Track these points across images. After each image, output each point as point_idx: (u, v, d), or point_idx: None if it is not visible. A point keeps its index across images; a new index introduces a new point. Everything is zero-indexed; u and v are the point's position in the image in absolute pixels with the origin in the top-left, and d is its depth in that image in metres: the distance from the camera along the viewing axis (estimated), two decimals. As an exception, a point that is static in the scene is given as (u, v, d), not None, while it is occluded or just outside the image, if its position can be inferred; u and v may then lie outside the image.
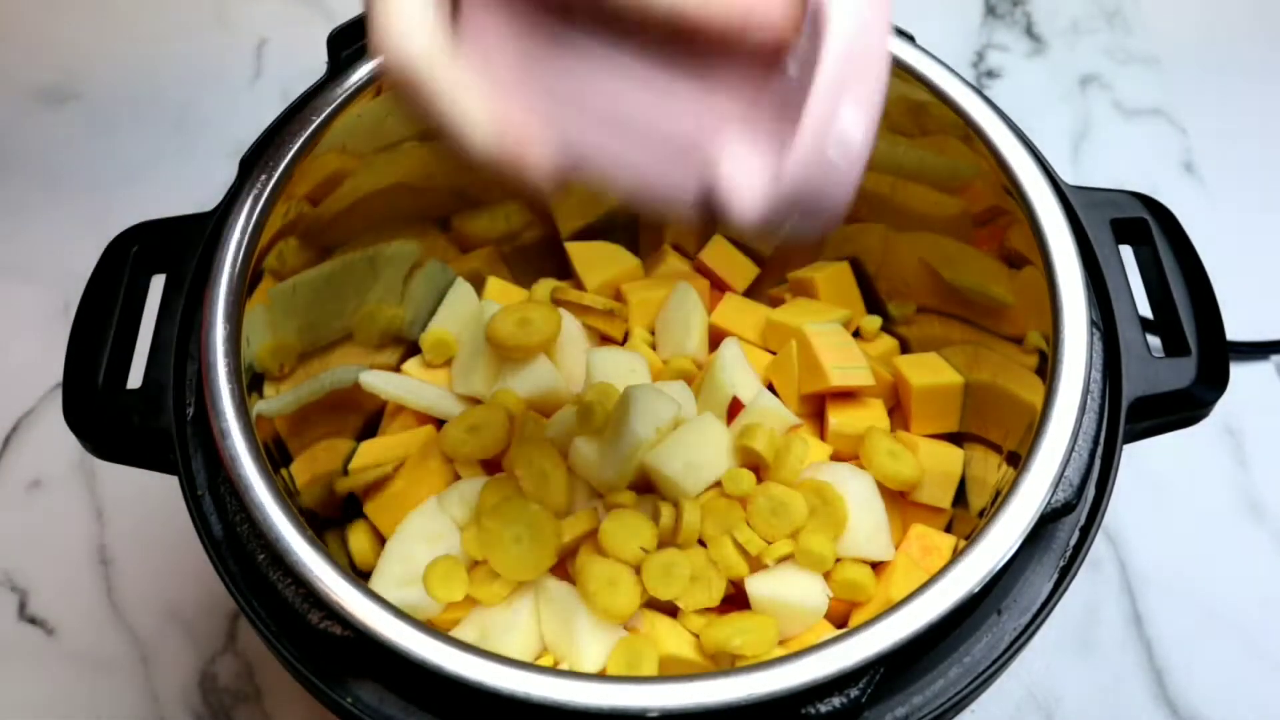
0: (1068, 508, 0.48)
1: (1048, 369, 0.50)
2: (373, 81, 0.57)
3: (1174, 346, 0.53)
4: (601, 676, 0.48)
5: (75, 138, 0.89)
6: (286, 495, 0.48)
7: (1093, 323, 0.51)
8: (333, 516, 0.62)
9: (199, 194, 0.70)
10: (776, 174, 0.32)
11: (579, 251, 0.71)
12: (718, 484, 0.59)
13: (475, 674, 0.43)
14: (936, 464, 0.61)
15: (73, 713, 0.67)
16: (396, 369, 0.68)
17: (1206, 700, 0.67)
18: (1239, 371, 0.77)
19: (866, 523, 0.59)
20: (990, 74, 0.93)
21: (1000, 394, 0.58)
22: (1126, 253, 0.55)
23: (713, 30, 0.31)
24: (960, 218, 0.60)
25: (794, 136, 0.31)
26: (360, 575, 0.60)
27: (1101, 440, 0.51)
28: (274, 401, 0.56)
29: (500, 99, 0.32)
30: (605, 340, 0.69)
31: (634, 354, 0.66)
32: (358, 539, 0.61)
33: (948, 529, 0.61)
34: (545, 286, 0.70)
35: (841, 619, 0.59)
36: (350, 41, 0.59)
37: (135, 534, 0.72)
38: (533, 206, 0.69)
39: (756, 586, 0.57)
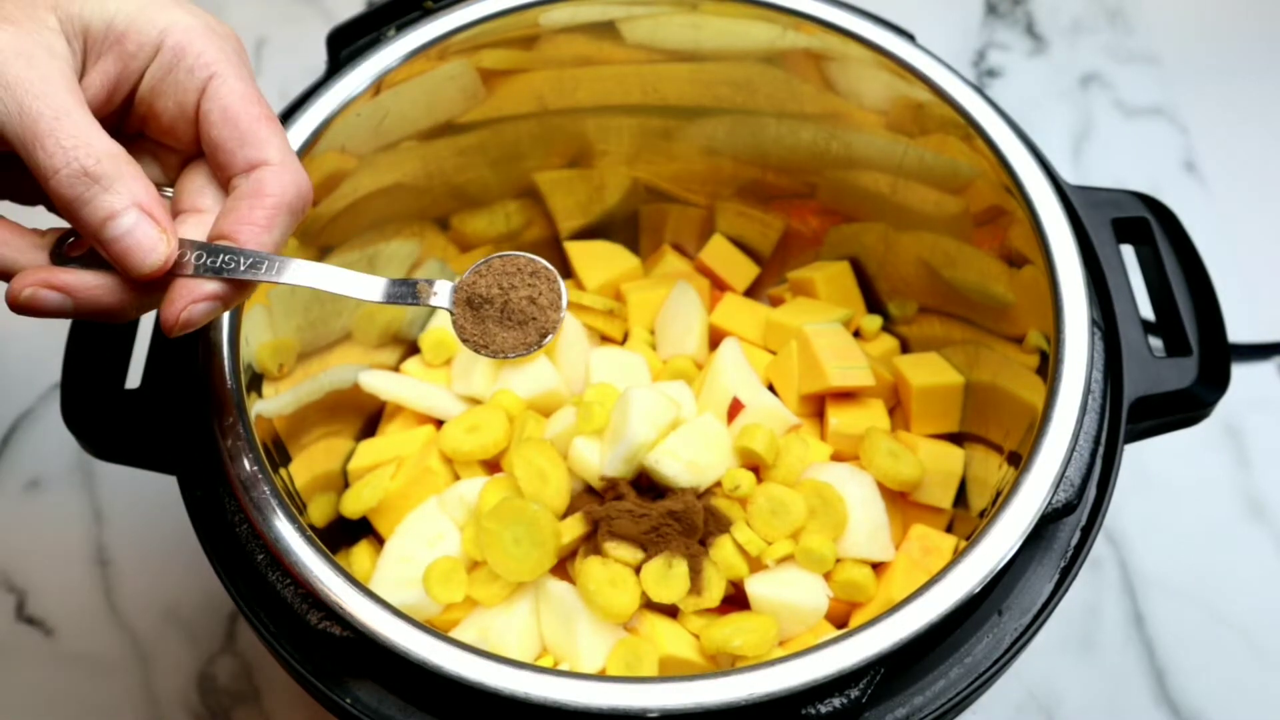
0: (1069, 508, 0.48)
1: (1048, 369, 0.50)
2: (372, 81, 0.57)
3: (1175, 346, 0.53)
4: (601, 677, 0.48)
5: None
6: (286, 495, 0.48)
7: (1094, 322, 0.51)
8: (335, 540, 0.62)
9: (198, 193, 0.70)
10: None
11: (579, 251, 0.71)
12: (718, 484, 0.59)
13: (475, 674, 0.43)
14: (937, 464, 0.61)
15: (71, 713, 0.66)
16: (396, 369, 0.68)
17: (1207, 700, 0.67)
18: (1240, 372, 0.77)
19: (867, 523, 0.59)
20: (991, 73, 0.93)
21: (1001, 394, 0.58)
22: (1127, 252, 0.55)
23: None
24: (961, 217, 0.60)
25: None
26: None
27: (1102, 440, 0.50)
28: (273, 401, 0.56)
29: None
30: (605, 340, 0.69)
31: (634, 354, 0.66)
32: (360, 562, 0.61)
33: (948, 529, 0.61)
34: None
35: (842, 619, 0.59)
36: (349, 40, 0.59)
37: (134, 534, 0.72)
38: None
39: (756, 587, 0.57)
